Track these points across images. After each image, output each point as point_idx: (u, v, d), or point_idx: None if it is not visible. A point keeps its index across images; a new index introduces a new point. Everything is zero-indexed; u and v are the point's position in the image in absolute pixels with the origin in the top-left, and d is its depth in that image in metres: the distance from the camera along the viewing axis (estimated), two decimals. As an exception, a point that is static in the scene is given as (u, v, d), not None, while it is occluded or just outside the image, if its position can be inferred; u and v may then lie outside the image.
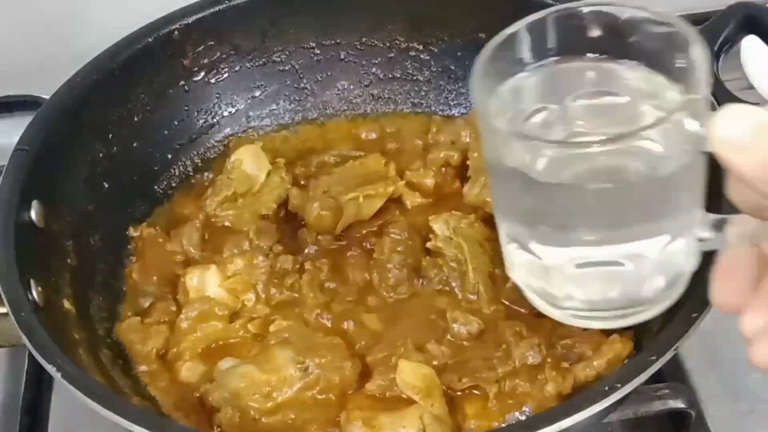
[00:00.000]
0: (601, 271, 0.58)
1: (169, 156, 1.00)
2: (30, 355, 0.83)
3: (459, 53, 1.03)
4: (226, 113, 1.04)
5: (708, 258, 0.57)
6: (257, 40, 1.02)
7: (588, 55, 0.57)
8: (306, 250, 0.92)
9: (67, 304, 0.83)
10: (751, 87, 0.91)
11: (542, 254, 0.57)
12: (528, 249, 0.58)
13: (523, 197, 0.56)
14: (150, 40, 0.95)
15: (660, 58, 0.55)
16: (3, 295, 0.74)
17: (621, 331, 0.82)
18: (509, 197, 0.58)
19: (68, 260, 0.86)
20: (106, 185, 0.93)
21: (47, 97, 0.90)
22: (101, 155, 0.93)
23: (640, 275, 0.57)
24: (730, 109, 0.47)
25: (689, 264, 0.58)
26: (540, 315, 0.65)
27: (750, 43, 0.88)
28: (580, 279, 0.58)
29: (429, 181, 0.97)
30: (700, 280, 0.71)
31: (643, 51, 0.55)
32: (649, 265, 0.56)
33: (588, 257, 0.57)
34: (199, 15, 0.98)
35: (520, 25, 0.57)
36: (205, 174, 1.01)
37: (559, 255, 0.57)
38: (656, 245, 0.55)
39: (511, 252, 0.60)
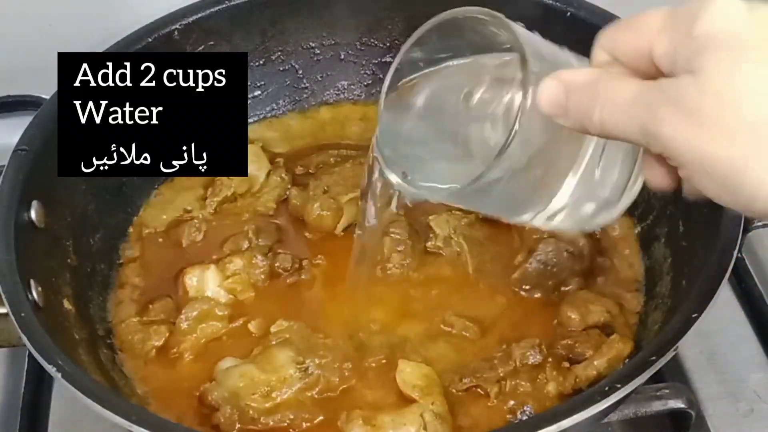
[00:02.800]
0: None
1: (169, 156, 1.00)
2: (30, 355, 0.83)
3: (459, 53, 1.03)
4: (226, 113, 1.03)
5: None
6: (257, 40, 1.02)
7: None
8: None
9: (67, 304, 0.83)
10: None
11: None
12: None
13: None
14: (150, 40, 0.95)
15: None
16: (3, 295, 0.74)
17: (621, 331, 0.82)
18: None
19: (68, 260, 0.86)
20: (106, 185, 0.93)
21: (47, 97, 0.90)
22: (101, 155, 0.93)
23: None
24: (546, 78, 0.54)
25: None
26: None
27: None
28: None
29: (429, 181, 0.97)
30: (699, 279, 0.72)
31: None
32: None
33: None
34: (199, 15, 0.98)
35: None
36: (205, 174, 1.01)
37: None
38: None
39: None
